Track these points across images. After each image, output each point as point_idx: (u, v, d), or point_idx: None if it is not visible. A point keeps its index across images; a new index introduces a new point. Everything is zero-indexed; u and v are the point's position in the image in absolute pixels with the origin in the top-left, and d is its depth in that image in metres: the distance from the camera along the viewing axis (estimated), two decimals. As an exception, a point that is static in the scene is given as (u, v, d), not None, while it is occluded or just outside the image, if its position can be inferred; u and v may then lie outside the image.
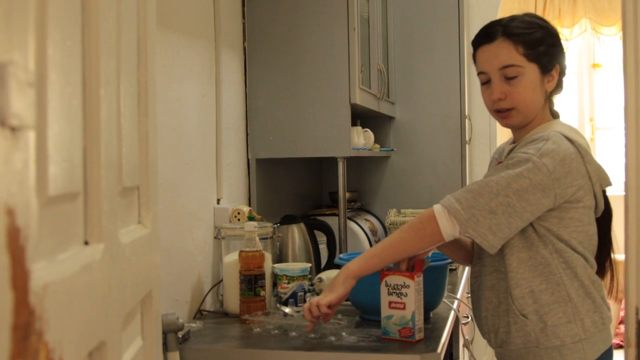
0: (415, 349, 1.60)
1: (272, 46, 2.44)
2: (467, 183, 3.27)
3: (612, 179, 1.58)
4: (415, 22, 3.23)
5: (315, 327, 1.71)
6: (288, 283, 1.94)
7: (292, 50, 2.42)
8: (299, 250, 2.35)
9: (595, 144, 5.72)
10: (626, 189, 1.01)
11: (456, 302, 2.08)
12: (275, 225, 2.20)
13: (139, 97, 0.99)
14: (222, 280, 2.08)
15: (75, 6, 0.72)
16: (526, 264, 1.53)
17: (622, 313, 4.68)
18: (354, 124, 2.52)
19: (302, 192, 3.11)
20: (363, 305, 1.88)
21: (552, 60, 1.58)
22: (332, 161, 2.56)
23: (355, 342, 1.65)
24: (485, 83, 1.61)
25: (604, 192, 1.57)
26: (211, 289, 2.10)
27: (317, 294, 2.12)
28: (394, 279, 1.64)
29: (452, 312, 1.96)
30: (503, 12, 3.91)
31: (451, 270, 2.47)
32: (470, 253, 1.74)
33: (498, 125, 1.71)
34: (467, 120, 3.27)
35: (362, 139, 2.76)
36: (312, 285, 2.14)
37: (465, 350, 2.40)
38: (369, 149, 2.86)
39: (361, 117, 2.94)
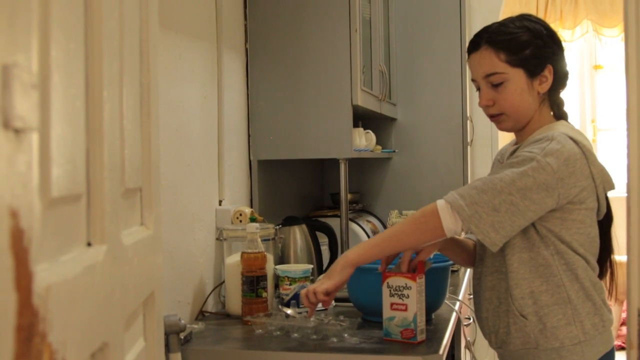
0: (417, 350, 1.60)
1: (274, 48, 2.44)
2: (469, 184, 3.27)
3: (614, 181, 1.58)
4: (416, 23, 3.23)
5: (318, 328, 1.71)
6: (290, 284, 1.94)
7: (293, 51, 2.42)
8: (300, 251, 2.35)
9: (597, 146, 5.72)
10: (628, 191, 1.01)
11: (458, 303, 2.08)
12: (277, 227, 2.20)
13: (141, 98, 1.00)
14: (224, 282, 2.08)
15: (78, 8, 0.72)
16: (527, 265, 1.53)
17: (624, 314, 4.68)
18: (355, 125, 2.52)
19: (304, 194, 3.11)
20: (365, 307, 1.88)
21: (542, 62, 1.57)
22: (333, 162, 2.56)
23: (357, 344, 1.65)
24: (478, 90, 1.63)
25: (606, 195, 1.57)
26: (213, 290, 2.10)
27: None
28: (395, 281, 1.64)
29: (454, 314, 1.96)
30: (504, 13, 3.91)
31: (453, 271, 2.47)
32: (473, 255, 1.74)
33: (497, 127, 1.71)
34: (468, 121, 3.27)
35: (363, 141, 2.76)
36: (314, 286, 2.14)
37: (467, 351, 2.40)
38: (371, 151, 2.87)
39: (363, 118, 2.94)
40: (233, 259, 2.01)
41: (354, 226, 2.82)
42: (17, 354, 0.50)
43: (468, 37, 3.25)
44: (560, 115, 1.65)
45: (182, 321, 1.63)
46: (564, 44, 1.66)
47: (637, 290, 0.96)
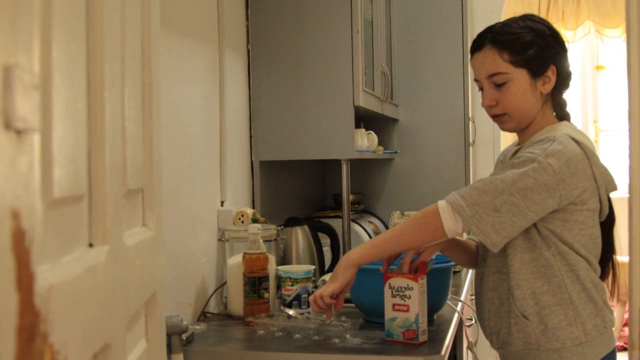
0: (419, 351, 1.60)
1: (276, 48, 2.44)
2: (471, 185, 3.27)
3: (616, 182, 1.58)
4: (418, 24, 3.23)
5: (320, 329, 1.71)
6: (292, 285, 1.94)
7: (295, 52, 2.43)
8: (302, 252, 2.35)
9: (599, 146, 5.71)
10: (630, 191, 1.01)
11: (460, 304, 2.08)
12: (279, 228, 2.20)
13: (143, 99, 1.00)
14: (225, 283, 2.08)
15: (80, 9, 0.72)
16: (528, 266, 1.53)
17: (626, 315, 4.67)
18: (357, 126, 2.52)
19: (306, 195, 3.11)
20: (367, 308, 1.88)
21: (545, 62, 1.57)
22: (335, 163, 2.56)
23: (359, 344, 1.65)
24: (481, 89, 1.62)
25: (608, 196, 1.57)
26: (215, 291, 2.10)
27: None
28: (397, 281, 1.63)
29: (456, 314, 1.96)
30: (507, 14, 3.91)
31: (455, 272, 2.47)
32: (475, 256, 1.74)
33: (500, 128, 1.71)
34: (470, 122, 3.27)
35: (365, 141, 2.76)
36: (315, 287, 2.14)
37: (469, 352, 2.39)
38: (373, 151, 2.86)
39: (365, 119, 2.94)
40: (235, 260, 2.01)
41: (355, 227, 2.82)
42: (19, 355, 0.50)
43: (470, 37, 3.26)
44: (563, 116, 1.64)
45: (184, 322, 1.63)
46: (566, 45, 1.66)
47: (639, 290, 0.96)
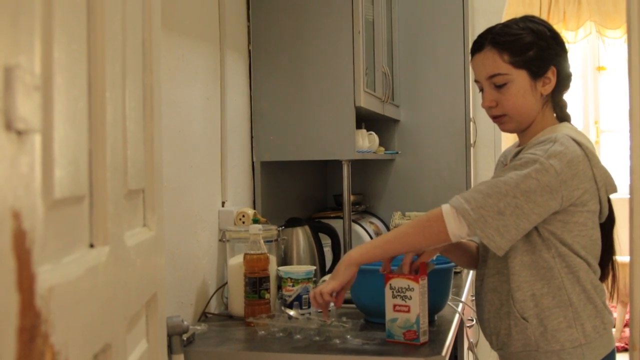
0: (420, 351, 1.60)
1: (277, 49, 2.44)
2: (472, 186, 3.27)
3: (616, 182, 1.58)
4: (420, 25, 3.23)
5: (320, 330, 1.71)
6: (293, 286, 1.94)
7: (297, 53, 2.43)
8: (303, 253, 2.35)
9: (600, 147, 5.71)
10: (631, 192, 1.01)
11: (461, 305, 2.08)
12: (280, 228, 2.20)
13: (144, 100, 1.00)
14: (226, 283, 2.09)
15: (81, 10, 0.72)
16: (528, 268, 1.53)
17: (627, 316, 4.67)
18: (358, 126, 2.52)
19: (307, 195, 3.11)
20: (367, 308, 1.88)
21: (546, 63, 1.56)
22: (336, 164, 2.56)
23: (359, 345, 1.65)
24: (481, 90, 1.62)
25: (608, 197, 1.57)
26: (216, 291, 2.11)
27: (322, 296, 2.12)
28: (398, 282, 1.63)
29: (457, 315, 1.96)
30: (508, 15, 3.90)
31: (456, 273, 2.47)
32: (475, 257, 1.74)
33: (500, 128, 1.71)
34: (471, 123, 3.27)
35: (366, 142, 2.76)
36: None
37: (470, 353, 2.39)
38: (374, 152, 2.86)
39: (366, 119, 2.94)
40: (236, 261, 2.01)
41: (356, 227, 2.82)
42: (20, 355, 0.50)
43: (471, 38, 3.26)
44: (563, 117, 1.64)
45: (185, 322, 1.63)
46: (567, 46, 1.66)
47: (640, 292, 0.96)
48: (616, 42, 5.71)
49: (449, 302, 1.95)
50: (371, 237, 2.84)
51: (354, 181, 2.79)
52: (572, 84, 1.65)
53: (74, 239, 0.69)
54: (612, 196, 1.60)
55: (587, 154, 1.50)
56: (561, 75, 1.59)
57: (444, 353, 1.61)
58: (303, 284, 1.95)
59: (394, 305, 1.64)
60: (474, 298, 1.75)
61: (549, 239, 1.52)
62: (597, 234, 1.56)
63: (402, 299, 1.63)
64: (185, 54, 1.97)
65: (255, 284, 1.88)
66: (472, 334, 2.47)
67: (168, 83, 1.83)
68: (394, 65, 3.12)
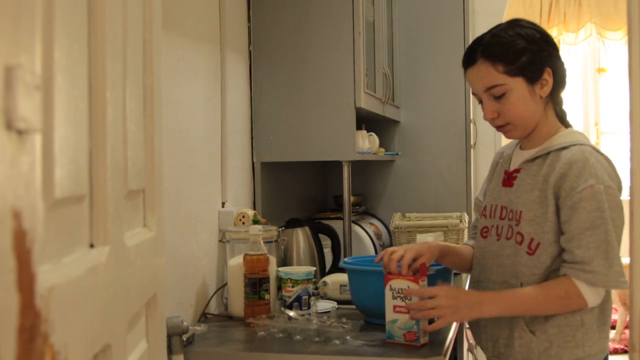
0: (420, 353, 1.60)
1: (278, 50, 2.44)
2: (472, 187, 3.27)
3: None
4: (420, 26, 3.23)
5: (320, 331, 1.71)
6: (292, 286, 1.94)
7: (297, 53, 2.43)
8: (303, 253, 2.35)
9: (600, 149, 5.71)
10: (631, 194, 1.01)
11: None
12: (280, 229, 2.20)
13: (144, 100, 1.00)
14: (226, 284, 2.08)
15: (82, 10, 0.72)
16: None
17: (628, 318, 4.66)
18: (358, 127, 2.52)
19: (307, 196, 3.11)
20: (367, 309, 1.88)
21: (541, 66, 1.55)
22: (337, 165, 2.56)
23: (359, 346, 1.65)
24: (480, 102, 1.62)
25: None
26: (216, 292, 2.10)
27: (322, 297, 2.12)
28: (398, 283, 1.63)
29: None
30: (508, 16, 3.90)
31: (455, 274, 2.47)
32: (469, 260, 1.74)
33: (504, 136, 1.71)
34: (472, 124, 3.27)
35: (367, 143, 2.76)
36: (316, 288, 2.14)
37: (470, 354, 2.39)
38: (374, 153, 2.86)
39: (366, 120, 2.94)
40: (236, 261, 2.01)
41: (356, 228, 2.82)
42: (20, 355, 0.50)
43: (472, 39, 3.26)
44: (560, 114, 1.64)
45: (185, 323, 1.63)
46: (567, 47, 1.66)
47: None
48: (616, 44, 5.71)
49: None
50: (371, 238, 2.84)
51: (354, 182, 2.79)
52: (571, 85, 1.65)
53: (74, 239, 0.70)
54: None
55: (610, 164, 1.53)
56: (557, 74, 1.58)
57: (443, 354, 1.60)
58: (303, 284, 1.95)
59: (394, 307, 1.64)
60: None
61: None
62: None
63: (402, 300, 1.62)
64: (186, 54, 1.97)
65: (255, 284, 1.88)
66: (472, 335, 2.47)
67: (168, 83, 1.83)
68: (394, 67, 3.12)
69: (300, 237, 2.36)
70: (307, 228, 2.39)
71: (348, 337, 1.68)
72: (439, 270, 1.81)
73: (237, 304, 1.96)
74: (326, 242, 2.46)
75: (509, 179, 1.63)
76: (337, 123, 2.39)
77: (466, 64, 1.60)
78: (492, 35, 1.58)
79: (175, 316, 1.64)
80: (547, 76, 1.56)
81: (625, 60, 0.97)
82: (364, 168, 3.26)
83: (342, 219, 2.59)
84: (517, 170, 1.62)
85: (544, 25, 5.28)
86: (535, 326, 1.53)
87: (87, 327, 0.68)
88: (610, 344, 4.48)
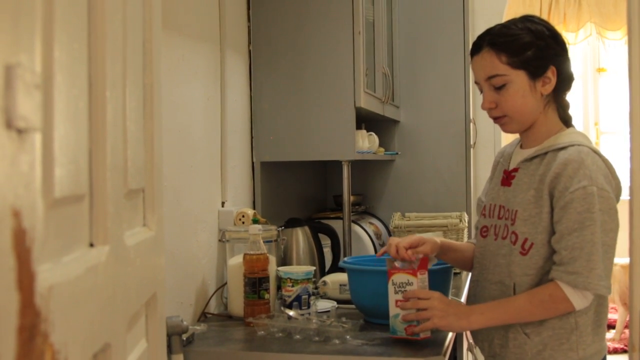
0: (419, 352, 1.60)
1: (278, 49, 2.44)
2: (472, 187, 3.27)
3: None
4: (420, 25, 3.23)
5: (320, 330, 1.71)
6: (292, 286, 1.94)
7: (297, 53, 2.43)
8: (303, 253, 2.35)
9: (600, 149, 5.71)
10: (631, 194, 1.01)
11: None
12: (280, 229, 2.20)
13: (144, 99, 1.00)
14: (226, 283, 2.09)
15: (82, 9, 0.72)
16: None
17: (628, 317, 4.66)
18: (358, 127, 2.52)
19: (307, 195, 3.11)
20: (367, 309, 1.88)
21: (545, 62, 1.55)
22: (336, 164, 2.56)
23: (359, 346, 1.65)
24: (482, 92, 1.62)
25: None
26: (215, 291, 2.10)
27: (322, 297, 2.12)
28: (399, 277, 1.63)
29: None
30: (508, 16, 3.91)
31: (455, 274, 2.47)
32: (470, 258, 1.74)
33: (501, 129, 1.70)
34: (471, 124, 3.27)
35: (366, 143, 2.76)
36: (316, 288, 2.14)
37: (470, 354, 2.39)
38: (374, 153, 2.86)
39: (366, 120, 2.94)
40: (235, 261, 2.01)
41: (356, 228, 2.82)
42: (19, 354, 0.50)
43: (471, 39, 3.26)
44: (565, 117, 1.63)
45: (185, 322, 1.63)
46: (567, 46, 1.65)
47: (639, 293, 0.95)
48: (616, 44, 5.71)
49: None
50: (371, 238, 2.84)
51: (353, 182, 2.79)
52: (573, 84, 1.65)
53: (73, 238, 0.70)
54: None
55: (607, 165, 1.51)
56: (562, 75, 1.58)
57: (443, 353, 1.60)
58: (302, 284, 1.95)
59: (396, 301, 1.63)
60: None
61: None
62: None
63: (403, 295, 1.62)
64: (186, 54, 1.97)
65: (255, 284, 1.88)
66: (471, 336, 2.47)
67: (168, 83, 1.83)
68: (394, 66, 3.12)
69: (300, 237, 2.36)
70: (306, 228, 2.39)
71: (348, 337, 1.68)
72: (440, 270, 1.81)
73: (237, 304, 1.96)
74: (326, 241, 2.46)
75: (507, 178, 1.63)
76: (336, 123, 2.39)
77: (472, 52, 1.61)
78: (502, 27, 1.59)
79: (175, 316, 1.64)
80: (551, 74, 1.56)
81: (625, 60, 0.97)
82: (363, 168, 3.26)
83: (341, 218, 2.59)
84: (515, 170, 1.61)
85: (543, 25, 5.27)
86: (530, 328, 1.53)
87: (86, 326, 0.68)
88: (610, 343, 4.51)
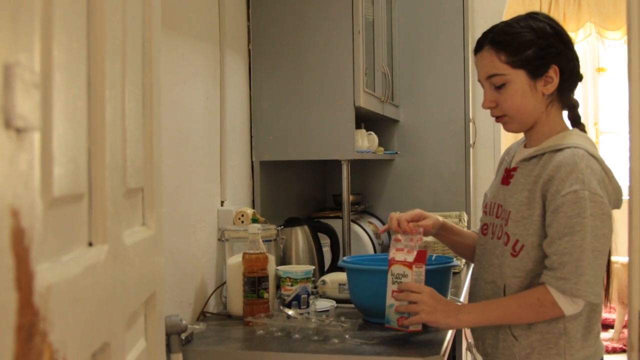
0: (418, 351, 1.60)
1: (277, 49, 2.44)
2: (471, 187, 3.27)
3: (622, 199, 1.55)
4: (419, 25, 3.23)
5: (319, 329, 1.71)
6: (291, 285, 1.94)
7: (296, 52, 2.43)
8: (302, 252, 2.35)
9: (600, 148, 5.72)
10: (630, 193, 1.01)
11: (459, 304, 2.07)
12: (279, 228, 2.20)
13: (143, 99, 1.00)
14: (225, 282, 2.09)
15: (81, 8, 0.72)
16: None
17: (627, 317, 4.67)
18: (358, 126, 2.52)
19: (306, 195, 3.11)
20: (366, 308, 1.88)
21: (545, 62, 1.52)
22: (336, 164, 2.56)
23: (358, 345, 1.65)
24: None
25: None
26: (214, 291, 2.10)
27: (321, 296, 2.13)
28: (397, 269, 1.63)
29: (456, 316, 1.96)
30: (507, 15, 3.91)
31: (454, 273, 2.47)
32: (470, 247, 1.74)
33: (502, 129, 1.68)
34: (471, 123, 3.27)
35: (366, 142, 2.76)
36: (315, 287, 2.14)
37: (468, 353, 2.39)
38: (373, 152, 2.86)
39: (365, 120, 2.94)
40: (235, 260, 2.01)
41: (355, 227, 2.82)
42: (18, 354, 0.50)
43: (471, 39, 3.27)
44: (574, 117, 1.61)
45: (184, 322, 1.63)
46: (572, 44, 1.61)
47: (638, 292, 0.96)
48: (616, 44, 5.72)
49: (447, 303, 1.95)
50: (370, 237, 2.84)
51: (353, 181, 2.80)
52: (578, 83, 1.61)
53: (72, 238, 0.69)
54: None
55: (604, 169, 1.49)
56: (565, 73, 1.55)
57: (442, 353, 1.61)
58: (302, 283, 1.95)
59: (393, 291, 1.64)
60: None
61: None
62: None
63: (399, 285, 1.63)
64: (185, 53, 1.97)
65: (254, 283, 1.88)
66: (471, 334, 2.47)
67: (168, 82, 1.83)
68: (393, 66, 3.12)
69: (299, 236, 2.36)
70: (306, 227, 2.39)
71: (347, 336, 1.68)
72: (439, 270, 1.81)
73: (236, 303, 1.96)
74: (325, 241, 2.46)
75: (507, 177, 1.61)
76: (336, 122, 2.39)
77: (475, 50, 1.60)
78: (504, 25, 1.57)
79: (174, 315, 1.64)
80: (553, 74, 1.53)
81: (625, 60, 0.97)
82: (363, 167, 3.26)
83: (341, 218, 2.59)
84: (514, 169, 1.59)
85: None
86: (518, 331, 1.52)
87: (85, 326, 0.68)
88: (608, 343, 4.51)
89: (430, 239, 1.97)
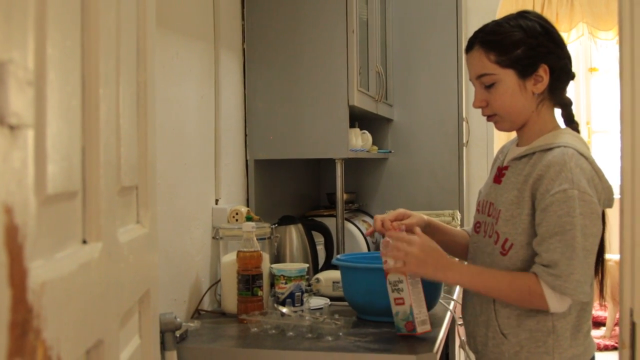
0: (412, 348, 1.60)
1: (271, 48, 2.44)
2: (464, 185, 3.28)
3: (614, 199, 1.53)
4: (413, 24, 3.23)
5: (313, 327, 1.71)
6: (285, 283, 1.95)
7: (291, 51, 2.43)
8: (296, 250, 2.35)
9: (592, 148, 5.74)
10: (621, 192, 1.01)
11: (452, 303, 2.08)
12: (273, 226, 2.20)
13: (138, 97, 1.00)
14: (219, 280, 2.09)
15: (75, 6, 0.72)
16: None
17: (618, 314, 4.68)
18: (352, 125, 2.53)
19: (300, 193, 3.11)
20: (359, 306, 1.89)
21: (535, 61, 1.52)
22: (330, 162, 2.56)
23: (352, 342, 1.66)
24: None
25: (603, 211, 1.52)
26: (209, 288, 2.11)
27: (315, 294, 2.13)
28: (393, 277, 1.64)
29: (449, 313, 1.97)
30: (501, 15, 3.92)
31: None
32: (463, 245, 1.74)
33: (495, 128, 1.68)
34: (464, 122, 3.28)
35: (360, 141, 2.76)
36: (309, 285, 2.15)
37: (461, 351, 2.40)
38: (367, 151, 2.87)
39: (359, 118, 2.95)
40: (229, 258, 2.01)
41: (349, 226, 2.82)
42: (11, 350, 0.50)
43: (464, 38, 3.27)
44: (568, 115, 1.61)
45: (178, 319, 1.63)
46: (564, 42, 1.60)
47: (629, 290, 0.96)
48: (608, 44, 5.73)
49: (440, 300, 1.96)
50: (364, 236, 2.85)
51: (347, 180, 2.80)
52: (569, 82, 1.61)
53: (66, 235, 0.70)
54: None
55: (595, 168, 1.48)
56: (556, 72, 1.54)
57: (435, 350, 1.61)
58: (296, 281, 1.95)
59: (394, 299, 1.64)
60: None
61: None
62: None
63: (398, 292, 1.63)
64: (180, 51, 1.97)
65: (248, 281, 1.88)
66: (464, 332, 2.48)
67: (162, 81, 1.83)
68: (387, 65, 3.13)
69: (294, 234, 2.36)
70: (300, 225, 2.39)
71: (340, 334, 1.69)
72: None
73: (230, 301, 1.97)
74: (319, 239, 2.46)
75: (499, 175, 1.62)
76: (330, 121, 2.40)
77: (466, 49, 1.60)
78: (494, 24, 1.57)
79: (168, 312, 1.64)
80: (543, 73, 1.53)
81: (617, 60, 0.98)
82: (357, 166, 3.27)
83: (335, 216, 2.60)
84: (506, 168, 1.60)
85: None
86: (508, 329, 1.52)
87: (79, 323, 0.68)
88: (600, 340, 4.53)
89: None
